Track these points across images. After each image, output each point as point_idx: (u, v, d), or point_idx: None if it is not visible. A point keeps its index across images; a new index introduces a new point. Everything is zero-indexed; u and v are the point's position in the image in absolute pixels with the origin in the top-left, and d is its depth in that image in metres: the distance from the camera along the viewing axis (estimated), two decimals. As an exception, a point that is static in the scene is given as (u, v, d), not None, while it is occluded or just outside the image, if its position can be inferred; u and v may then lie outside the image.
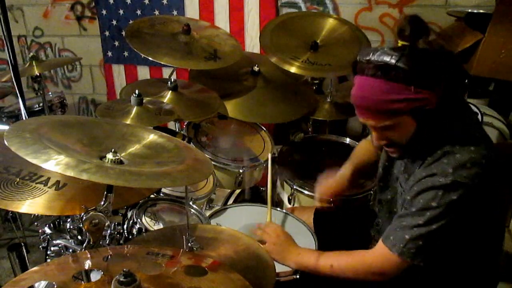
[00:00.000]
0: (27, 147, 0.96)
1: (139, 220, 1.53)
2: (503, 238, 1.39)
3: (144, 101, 1.74)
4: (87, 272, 1.08)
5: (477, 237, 1.28)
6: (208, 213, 1.71)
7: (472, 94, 2.43)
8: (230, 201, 2.08)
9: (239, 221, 1.66)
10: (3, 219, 2.60)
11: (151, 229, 1.52)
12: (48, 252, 1.41)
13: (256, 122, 2.27)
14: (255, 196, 2.20)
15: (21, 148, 0.95)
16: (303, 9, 2.91)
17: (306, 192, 1.93)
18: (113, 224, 1.48)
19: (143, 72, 3.34)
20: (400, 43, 1.15)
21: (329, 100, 2.36)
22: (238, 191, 2.14)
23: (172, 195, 1.77)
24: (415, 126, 1.20)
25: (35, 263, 1.84)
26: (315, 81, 2.51)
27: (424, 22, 1.15)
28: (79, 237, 1.36)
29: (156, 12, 3.12)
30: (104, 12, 3.22)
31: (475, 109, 2.23)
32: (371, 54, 1.15)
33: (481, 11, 2.34)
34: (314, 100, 2.37)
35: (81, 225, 1.12)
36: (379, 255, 1.29)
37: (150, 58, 2.03)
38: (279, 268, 1.40)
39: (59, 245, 1.39)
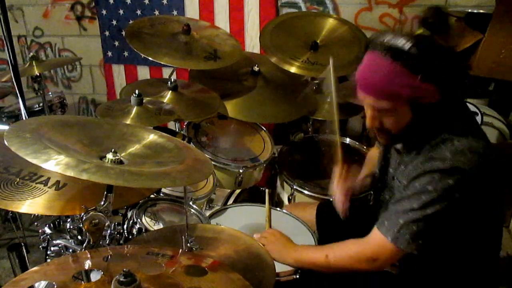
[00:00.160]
0: (27, 147, 0.96)
1: (139, 220, 1.53)
2: (501, 238, 1.39)
3: (144, 101, 1.74)
4: (87, 272, 1.09)
5: (474, 234, 1.28)
6: (208, 213, 1.71)
7: (472, 94, 2.43)
8: (230, 201, 2.07)
9: (239, 221, 1.66)
10: (3, 219, 2.60)
11: (151, 229, 1.52)
12: (48, 252, 1.41)
13: (256, 122, 2.27)
14: (255, 196, 2.20)
15: (21, 148, 0.95)
16: (303, 9, 2.91)
17: (306, 192, 1.93)
18: (113, 224, 1.48)
19: (143, 72, 3.34)
20: (419, 30, 1.16)
21: (329, 100, 2.36)
22: (238, 191, 2.14)
23: (172, 195, 1.76)
24: (410, 117, 1.20)
25: (35, 263, 1.83)
26: (315, 81, 2.51)
27: (447, 20, 1.16)
28: (79, 237, 1.36)
29: (156, 12, 3.12)
30: (104, 12, 3.22)
31: (475, 109, 2.24)
32: (388, 34, 1.16)
33: (481, 11, 2.34)
34: (314, 100, 2.38)
35: (81, 225, 1.12)
36: (373, 241, 1.28)
37: (150, 58, 2.03)
38: (279, 268, 1.40)
39: (59, 245, 1.39)
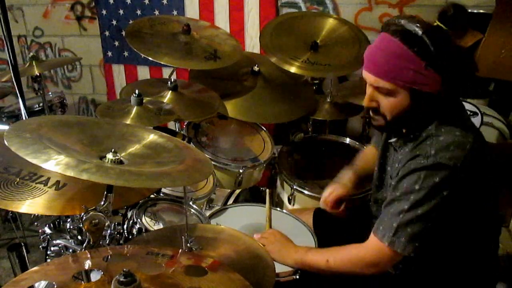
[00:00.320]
0: (27, 147, 0.96)
1: (139, 220, 1.53)
2: (498, 236, 1.38)
3: (144, 101, 1.74)
4: (87, 272, 1.08)
5: (470, 232, 1.28)
6: (208, 213, 1.71)
7: (472, 94, 2.43)
8: (230, 201, 2.08)
9: (239, 221, 1.66)
10: (3, 219, 2.60)
11: (151, 229, 1.52)
12: (48, 252, 1.41)
13: (256, 122, 2.27)
14: (255, 196, 2.20)
15: (21, 148, 0.95)
16: (303, 9, 2.91)
17: (306, 192, 1.93)
18: (113, 224, 1.48)
19: (143, 72, 3.34)
20: (436, 23, 1.16)
21: (329, 100, 2.36)
22: (238, 191, 2.14)
23: (172, 195, 1.76)
24: (408, 104, 1.20)
25: (35, 263, 1.84)
26: (315, 81, 2.51)
27: (466, 17, 1.17)
28: (79, 237, 1.36)
29: (156, 12, 3.12)
30: (104, 12, 3.22)
31: (475, 109, 2.24)
32: (404, 19, 1.17)
33: (481, 11, 2.34)
34: (314, 100, 2.38)
35: (81, 225, 1.12)
36: (371, 247, 1.29)
37: (150, 58, 2.03)
38: (279, 268, 1.40)
39: (59, 245, 1.39)
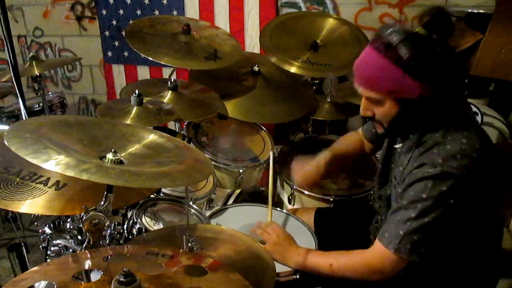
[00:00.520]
0: (27, 147, 0.96)
1: (139, 220, 1.53)
2: (501, 236, 1.39)
3: (144, 101, 1.74)
4: (87, 272, 1.08)
5: (473, 234, 1.28)
6: (208, 213, 1.71)
7: (472, 94, 2.43)
8: (230, 201, 2.08)
9: (239, 221, 1.66)
10: (3, 219, 2.60)
11: (151, 229, 1.52)
12: (48, 252, 1.41)
13: (256, 122, 2.27)
14: (255, 196, 2.20)
15: (21, 148, 0.95)
16: (303, 9, 2.91)
17: (306, 192, 1.93)
18: (113, 224, 1.48)
19: (143, 72, 3.34)
20: (418, 29, 1.17)
21: (329, 100, 2.36)
22: (238, 191, 2.14)
23: (172, 195, 1.77)
24: (397, 111, 1.22)
25: (35, 263, 1.84)
26: (315, 81, 2.51)
27: (448, 20, 1.17)
28: (79, 237, 1.36)
29: (156, 12, 3.12)
30: (104, 12, 3.22)
31: (475, 109, 2.24)
32: (386, 28, 1.19)
33: (481, 11, 2.34)
34: (314, 100, 2.38)
35: (81, 225, 1.12)
36: (376, 253, 1.29)
37: (150, 58, 2.03)
38: (279, 268, 1.40)
39: (59, 245, 1.39)
